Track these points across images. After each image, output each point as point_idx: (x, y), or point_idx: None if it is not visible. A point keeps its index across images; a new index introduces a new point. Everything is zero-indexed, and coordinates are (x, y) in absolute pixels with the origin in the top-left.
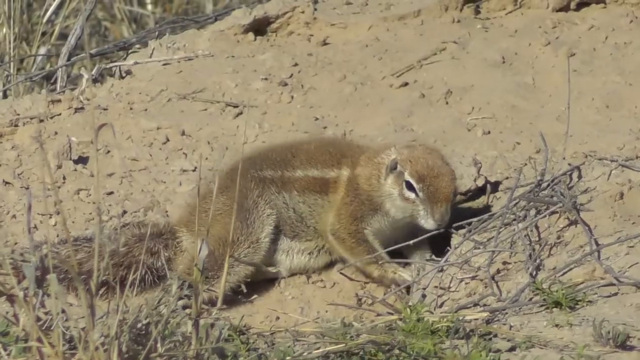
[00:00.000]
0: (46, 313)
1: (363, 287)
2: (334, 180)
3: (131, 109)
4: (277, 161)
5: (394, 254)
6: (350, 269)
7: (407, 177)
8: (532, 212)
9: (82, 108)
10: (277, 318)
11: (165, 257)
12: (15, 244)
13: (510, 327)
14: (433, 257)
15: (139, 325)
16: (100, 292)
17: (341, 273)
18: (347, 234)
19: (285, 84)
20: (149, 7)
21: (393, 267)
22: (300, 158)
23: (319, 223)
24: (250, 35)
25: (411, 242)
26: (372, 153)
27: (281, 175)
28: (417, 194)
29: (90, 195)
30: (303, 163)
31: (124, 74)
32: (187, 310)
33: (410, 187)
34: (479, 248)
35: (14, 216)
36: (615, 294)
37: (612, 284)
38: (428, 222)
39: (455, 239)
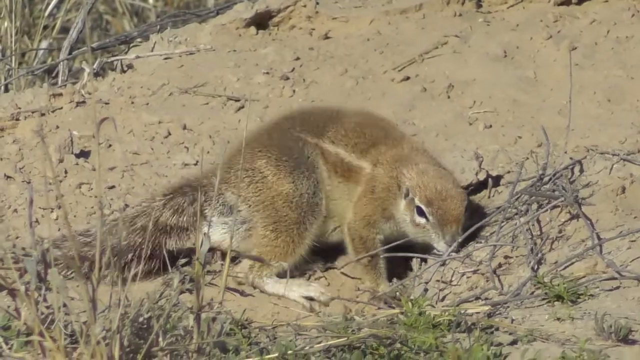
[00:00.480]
0: (48, 307)
1: (364, 282)
2: (356, 169)
3: (133, 103)
4: (317, 127)
5: (396, 248)
6: (350, 266)
7: (417, 203)
8: (534, 206)
9: (83, 102)
10: (279, 313)
11: (191, 212)
12: (17, 238)
13: (512, 320)
14: (435, 251)
15: (141, 319)
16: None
17: (342, 273)
18: (358, 237)
19: (287, 78)
20: (151, 0)
21: (384, 284)
22: (335, 131)
23: (335, 202)
24: (252, 29)
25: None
26: (394, 157)
27: (316, 144)
28: (427, 219)
29: (91, 189)
30: (337, 138)
31: (125, 68)
32: (189, 304)
33: (420, 212)
34: (480, 242)
35: (15, 210)
36: (617, 287)
37: (613, 278)
38: (440, 245)
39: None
